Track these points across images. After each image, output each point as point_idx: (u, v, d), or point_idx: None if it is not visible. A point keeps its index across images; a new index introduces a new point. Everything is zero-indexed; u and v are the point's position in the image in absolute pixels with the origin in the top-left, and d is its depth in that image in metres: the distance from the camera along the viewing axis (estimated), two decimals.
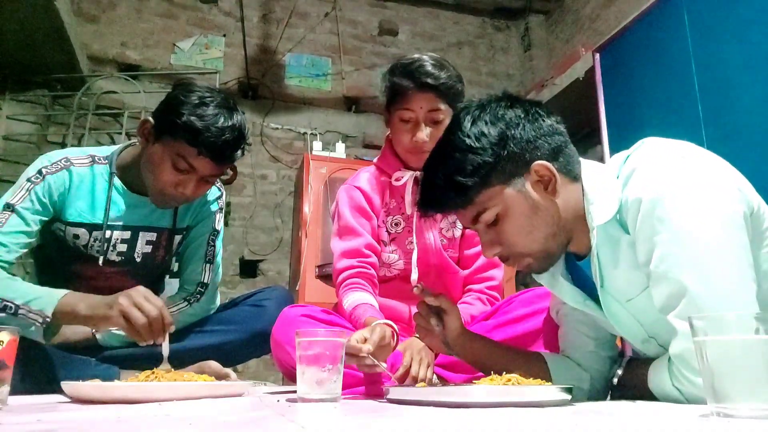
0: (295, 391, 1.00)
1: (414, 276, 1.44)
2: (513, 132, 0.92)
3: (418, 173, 1.45)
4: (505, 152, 0.91)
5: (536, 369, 1.04)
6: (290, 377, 1.22)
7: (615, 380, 1.00)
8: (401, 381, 1.23)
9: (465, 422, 0.64)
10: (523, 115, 0.94)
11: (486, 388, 0.87)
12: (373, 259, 1.46)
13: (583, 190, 0.95)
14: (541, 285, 1.11)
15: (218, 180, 1.54)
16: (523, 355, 1.13)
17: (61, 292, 1.18)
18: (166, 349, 1.12)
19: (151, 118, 1.30)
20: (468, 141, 0.92)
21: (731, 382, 0.61)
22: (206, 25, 4.10)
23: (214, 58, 4.05)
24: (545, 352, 1.14)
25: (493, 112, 0.94)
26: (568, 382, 1.01)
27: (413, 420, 0.71)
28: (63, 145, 3.42)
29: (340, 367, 0.95)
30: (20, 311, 1.15)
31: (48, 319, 1.15)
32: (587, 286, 1.01)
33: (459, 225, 1.53)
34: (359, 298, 1.35)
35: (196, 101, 1.24)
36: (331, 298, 1.64)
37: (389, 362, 1.28)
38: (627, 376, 0.99)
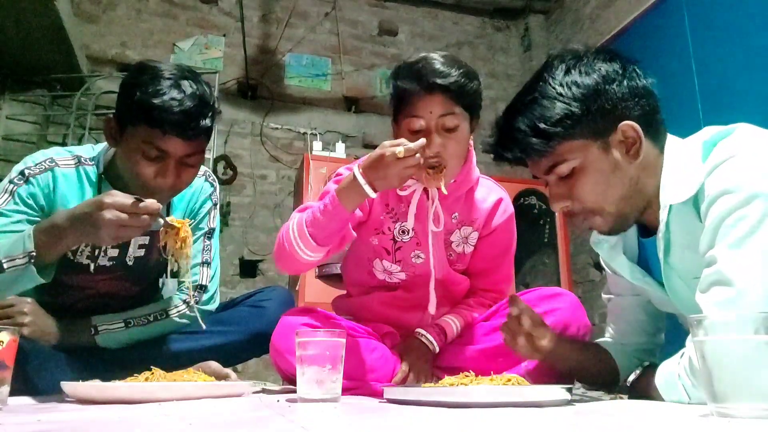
0: (295, 391, 1.00)
1: (432, 307, 1.37)
2: (607, 87, 0.89)
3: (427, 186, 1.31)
4: (595, 106, 0.88)
5: (606, 364, 1.07)
6: (291, 383, 1.21)
7: (629, 381, 1.00)
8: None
9: (465, 422, 0.64)
10: (620, 71, 0.91)
11: (486, 388, 0.87)
12: None
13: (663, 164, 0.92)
14: (541, 286, 1.12)
15: (211, 175, 1.51)
16: (593, 350, 1.12)
17: (31, 228, 1.13)
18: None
19: (112, 116, 1.23)
20: (559, 89, 0.89)
21: (731, 382, 0.61)
22: (206, 25, 4.10)
23: (214, 58, 4.04)
24: (605, 343, 1.14)
25: (590, 63, 0.91)
26: (631, 369, 1.06)
27: (413, 420, 0.71)
28: (63, 146, 3.41)
29: (340, 367, 0.95)
30: (5, 265, 1.09)
31: (33, 253, 1.08)
32: (646, 264, 1.00)
33: (471, 242, 1.42)
34: (307, 212, 1.21)
35: (148, 79, 1.16)
36: (330, 298, 1.63)
37: (390, 367, 1.28)
38: (640, 380, 0.99)
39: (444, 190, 1.24)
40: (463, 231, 1.41)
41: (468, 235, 1.41)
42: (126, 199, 1.06)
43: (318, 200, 1.23)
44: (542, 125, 0.89)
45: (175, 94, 1.15)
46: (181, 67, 1.22)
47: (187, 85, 1.18)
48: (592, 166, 0.90)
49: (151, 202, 1.08)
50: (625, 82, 0.90)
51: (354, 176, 1.10)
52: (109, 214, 1.04)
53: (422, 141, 1.09)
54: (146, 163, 1.18)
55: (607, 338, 1.17)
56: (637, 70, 0.92)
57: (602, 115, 0.89)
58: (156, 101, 1.13)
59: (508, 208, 1.44)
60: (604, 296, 1.18)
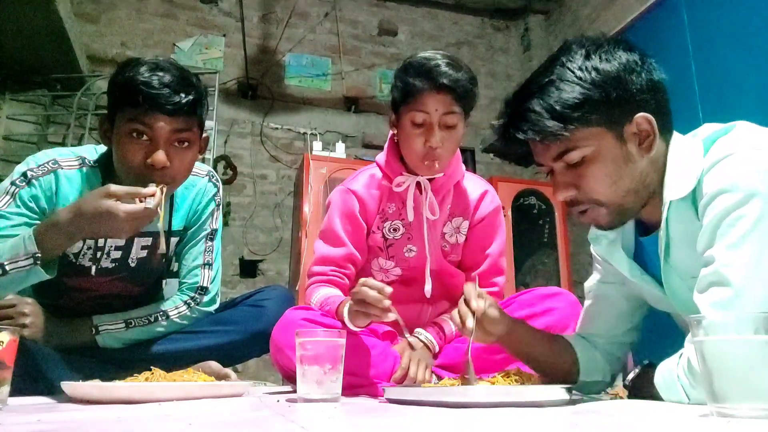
0: (295, 391, 1.00)
1: (428, 287, 1.42)
2: (627, 76, 0.88)
3: (420, 178, 1.40)
4: (615, 94, 0.87)
5: (565, 357, 1.05)
6: (290, 380, 1.21)
7: (628, 380, 1.00)
8: (400, 382, 1.22)
9: (465, 422, 0.64)
10: (640, 63, 0.90)
11: (486, 388, 0.87)
12: (350, 270, 1.43)
13: (666, 159, 0.91)
14: (541, 286, 1.12)
15: (215, 176, 1.51)
16: (554, 341, 1.11)
17: (29, 230, 1.14)
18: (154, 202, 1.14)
19: (104, 116, 1.25)
20: (578, 73, 0.88)
21: (731, 382, 0.61)
22: (206, 25, 4.10)
23: (214, 58, 4.04)
24: (572, 339, 1.13)
25: (610, 50, 0.89)
26: (594, 374, 1.05)
27: (413, 420, 0.71)
28: (63, 146, 3.41)
29: (340, 367, 0.95)
30: (8, 267, 1.09)
31: (37, 254, 1.10)
32: (642, 262, 1.00)
33: (463, 231, 1.48)
34: (328, 292, 1.34)
35: (130, 67, 1.20)
36: None
37: (390, 365, 1.28)
38: (639, 379, 0.98)
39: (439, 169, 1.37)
40: (455, 222, 1.48)
41: (459, 225, 1.49)
42: (124, 190, 1.10)
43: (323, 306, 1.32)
44: (559, 108, 0.87)
45: (155, 72, 1.19)
46: (162, 59, 1.26)
47: (167, 66, 1.22)
48: (604, 156, 0.88)
49: (149, 190, 1.13)
50: (643, 74, 0.89)
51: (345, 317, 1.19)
52: (123, 207, 1.08)
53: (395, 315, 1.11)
54: (135, 147, 1.19)
55: (576, 333, 1.15)
56: (654, 64, 0.92)
57: (620, 104, 0.88)
58: (138, 78, 1.17)
59: (494, 200, 1.52)
60: (587, 285, 1.16)
